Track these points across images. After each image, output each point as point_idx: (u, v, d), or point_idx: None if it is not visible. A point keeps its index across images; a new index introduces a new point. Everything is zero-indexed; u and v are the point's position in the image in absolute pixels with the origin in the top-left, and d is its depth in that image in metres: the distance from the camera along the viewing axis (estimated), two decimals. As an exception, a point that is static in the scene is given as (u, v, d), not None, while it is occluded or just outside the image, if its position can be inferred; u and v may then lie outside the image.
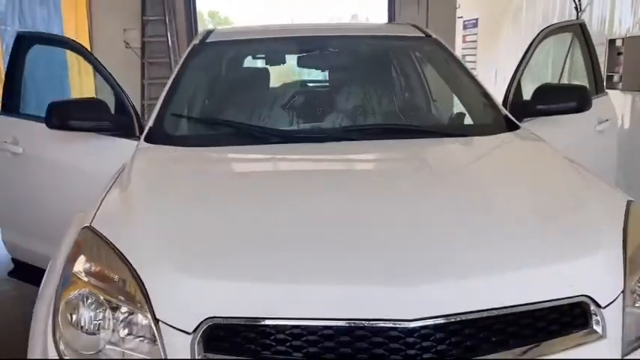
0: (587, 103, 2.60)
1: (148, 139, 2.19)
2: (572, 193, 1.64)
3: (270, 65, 3.01)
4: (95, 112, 2.45)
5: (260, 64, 3.12)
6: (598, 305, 1.27)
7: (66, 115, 2.42)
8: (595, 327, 1.27)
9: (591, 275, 1.31)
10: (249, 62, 3.21)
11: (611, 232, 1.43)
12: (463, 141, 2.14)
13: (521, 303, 1.22)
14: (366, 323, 1.16)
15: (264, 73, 2.94)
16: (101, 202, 1.67)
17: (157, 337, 1.22)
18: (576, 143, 3.00)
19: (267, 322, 1.20)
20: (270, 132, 2.18)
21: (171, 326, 1.22)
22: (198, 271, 1.29)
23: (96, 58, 2.78)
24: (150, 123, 2.30)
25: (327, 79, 3.16)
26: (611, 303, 1.29)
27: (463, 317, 1.19)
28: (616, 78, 5.10)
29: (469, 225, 1.43)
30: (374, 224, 1.43)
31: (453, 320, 1.18)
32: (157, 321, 1.23)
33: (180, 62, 2.65)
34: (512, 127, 2.31)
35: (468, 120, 2.51)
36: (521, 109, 2.65)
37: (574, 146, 2.98)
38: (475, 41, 8.56)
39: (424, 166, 1.98)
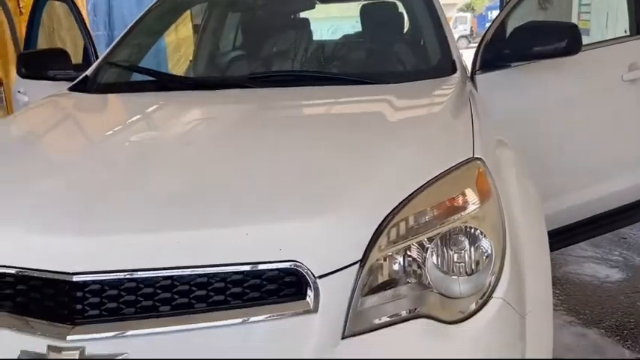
0: (575, 44, 2.14)
1: (74, 87, 2.24)
2: (393, 151, 1.36)
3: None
4: (57, 62, 2.56)
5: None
6: (313, 275, 1.08)
7: (31, 65, 2.56)
8: (308, 299, 1.07)
9: (306, 239, 1.11)
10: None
11: (377, 193, 1.19)
12: (368, 89, 1.88)
13: (213, 263, 1.08)
14: (36, 273, 1.11)
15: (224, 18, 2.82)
16: None
17: None
18: (590, 95, 2.49)
19: None
20: (181, 80, 2.13)
21: None
22: None
23: (79, 11, 2.90)
24: (87, 72, 2.36)
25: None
26: (332, 273, 1.08)
27: (138, 275, 1.07)
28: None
29: (236, 177, 1.29)
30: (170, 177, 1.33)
31: (125, 277, 1.08)
32: None
33: (145, 10, 2.65)
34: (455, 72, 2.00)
35: (416, 64, 2.22)
36: (494, 52, 2.26)
37: (586, 99, 2.49)
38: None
39: (283, 115, 1.79)
